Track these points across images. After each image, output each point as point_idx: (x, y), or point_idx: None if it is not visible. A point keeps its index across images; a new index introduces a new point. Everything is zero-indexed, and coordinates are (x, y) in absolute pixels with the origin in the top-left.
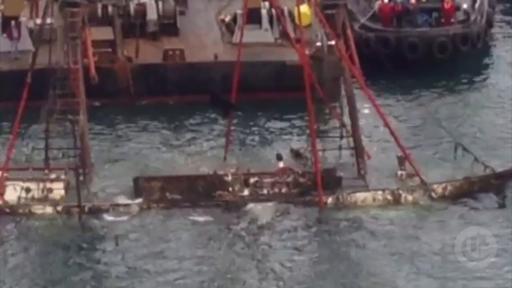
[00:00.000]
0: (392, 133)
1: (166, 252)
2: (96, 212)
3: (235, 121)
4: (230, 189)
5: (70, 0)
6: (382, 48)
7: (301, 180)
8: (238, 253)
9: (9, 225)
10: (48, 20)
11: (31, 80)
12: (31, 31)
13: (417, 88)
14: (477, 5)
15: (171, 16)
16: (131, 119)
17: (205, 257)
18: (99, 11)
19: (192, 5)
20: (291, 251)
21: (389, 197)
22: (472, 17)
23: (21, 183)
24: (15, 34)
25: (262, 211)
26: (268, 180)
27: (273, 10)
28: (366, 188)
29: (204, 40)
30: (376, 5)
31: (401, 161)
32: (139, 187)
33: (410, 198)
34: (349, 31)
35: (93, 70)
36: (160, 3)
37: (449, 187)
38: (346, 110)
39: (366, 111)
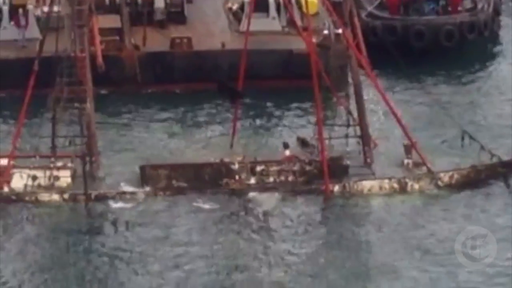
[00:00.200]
0: (398, 121)
1: (172, 238)
2: (102, 199)
3: (241, 109)
4: (237, 177)
5: None
6: (389, 36)
7: (308, 168)
8: (245, 239)
9: (16, 212)
10: (55, 8)
11: (38, 68)
12: (38, 19)
13: (424, 76)
14: None
15: (179, 4)
16: (138, 107)
17: (211, 244)
18: None
19: None
20: (297, 238)
21: (396, 185)
22: (479, 5)
23: (27, 171)
24: (22, 22)
25: (268, 199)
26: (274, 168)
27: None
28: (372, 177)
29: (211, 28)
30: None
31: (408, 149)
32: (146, 175)
33: (416, 186)
34: (356, 19)
35: (100, 58)
36: None
37: (455, 176)
38: (352, 98)
39: (373, 99)
